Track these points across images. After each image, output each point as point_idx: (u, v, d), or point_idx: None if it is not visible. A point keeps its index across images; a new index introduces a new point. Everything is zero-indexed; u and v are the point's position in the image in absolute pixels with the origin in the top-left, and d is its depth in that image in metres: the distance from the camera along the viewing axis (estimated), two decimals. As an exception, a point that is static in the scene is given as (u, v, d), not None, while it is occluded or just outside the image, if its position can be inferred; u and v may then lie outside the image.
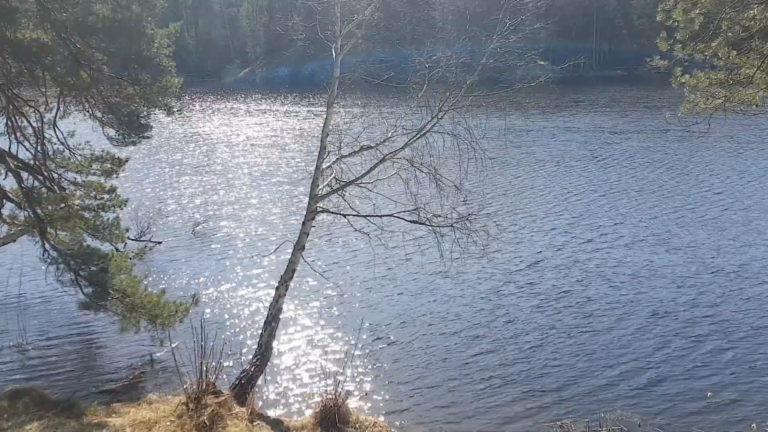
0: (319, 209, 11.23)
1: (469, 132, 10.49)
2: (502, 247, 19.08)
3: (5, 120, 11.79)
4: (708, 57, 9.69)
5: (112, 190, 11.89)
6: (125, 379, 12.11)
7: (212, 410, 9.09)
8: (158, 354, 12.82)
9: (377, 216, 11.31)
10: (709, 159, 32.48)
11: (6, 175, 11.35)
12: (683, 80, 10.09)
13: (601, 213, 23.35)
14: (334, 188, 11.20)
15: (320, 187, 11.24)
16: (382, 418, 10.63)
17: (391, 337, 13.93)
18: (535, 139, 39.71)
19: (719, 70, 10.02)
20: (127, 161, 12.73)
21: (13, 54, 10.70)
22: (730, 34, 9.49)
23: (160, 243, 20.55)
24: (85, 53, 10.94)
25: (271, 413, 10.80)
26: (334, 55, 11.10)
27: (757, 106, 9.99)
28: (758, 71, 9.47)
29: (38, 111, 12.16)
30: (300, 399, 11.56)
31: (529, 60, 10.83)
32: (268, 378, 12.03)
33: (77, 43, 10.76)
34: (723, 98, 9.95)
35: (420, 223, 11.01)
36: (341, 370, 11.84)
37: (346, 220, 11.29)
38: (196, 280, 17.49)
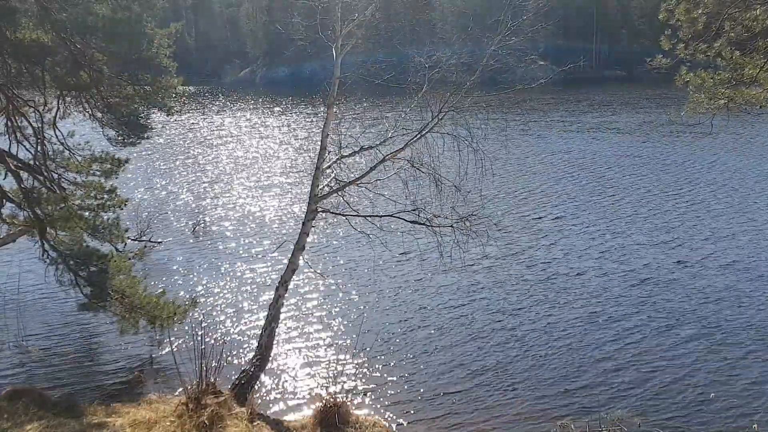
0: (319, 209, 11.22)
1: (470, 132, 10.49)
2: (503, 248, 19.05)
3: (5, 120, 11.76)
4: (711, 57, 9.67)
5: (112, 190, 11.85)
6: (125, 379, 12.10)
7: (212, 410, 9.07)
8: (158, 354, 12.82)
9: (377, 216, 11.31)
10: (711, 159, 32.37)
11: (6, 175, 11.32)
12: (687, 79, 10.07)
13: (602, 213, 23.32)
14: (334, 188, 11.19)
15: (320, 187, 11.23)
16: (382, 418, 10.62)
17: (391, 337, 13.91)
18: (535, 139, 39.70)
19: (722, 70, 9.99)
20: (127, 161, 12.69)
21: (13, 54, 10.69)
22: (732, 34, 9.47)
23: (160, 243, 20.55)
24: (85, 53, 10.93)
25: (271, 413, 10.80)
26: (334, 55, 11.09)
27: (761, 106, 9.96)
28: (762, 71, 9.44)
29: (38, 111, 12.13)
30: (300, 399, 11.55)
31: (530, 60, 10.83)
32: (268, 378, 12.03)
33: (77, 43, 10.75)
34: (726, 98, 9.93)
35: (420, 224, 11.00)
36: (341, 370, 11.83)
37: (346, 220, 11.28)
38: (196, 280, 17.48)
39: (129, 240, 15.11)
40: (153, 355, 12.90)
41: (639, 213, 23.13)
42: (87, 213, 11.37)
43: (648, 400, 11.27)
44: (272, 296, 11.42)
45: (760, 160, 32.01)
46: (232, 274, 17.96)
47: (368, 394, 11.67)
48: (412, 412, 11.10)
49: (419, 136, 10.76)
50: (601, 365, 12.53)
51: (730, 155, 33.06)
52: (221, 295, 16.45)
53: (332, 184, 11.27)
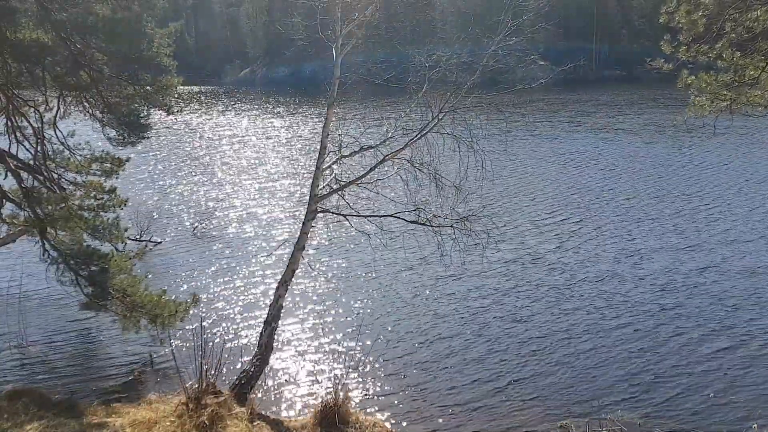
0: (319, 209, 11.22)
1: (470, 132, 10.49)
2: (503, 248, 19.04)
3: (5, 120, 11.77)
4: (712, 59, 9.65)
5: (112, 190, 11.85)
6: (125, 379, 12.11)
7: (212, 410, 9.08)
8: (158, 354, 12.81)
9: (377, 216, 11.31)
10: (720, 160, 32.10)
11: (6, 175, 11.33)
12: (689, 82, 10.04)
13: (611, 215, 23.23)
14: (334, 188, 11.19)
15: (320, 187, 11.23)
16: (382, 418, 10.63)
17: (391, 337, 13.91)
18: (538, 140, 39.68)
19: (723, 71, 9.97)
20: (127, 161, 12.70)
21: (13, 54, 10.69)
22: (733, 35, 9.46)
23: (160, 243, 20.56)
24: (85, 53, 10.94)
25: (271, 413, 10.80)
26: (334, 55, 11.09)
27: (764, 108, 9.93)
28: (763, 72, 9.43)
29: (38, 111, 12.15)
30: (300, 399, 11.55)
31: (530, 61, 10.83)
32: (268, 378, 12.02)
33: (77, 43, 10.76)
34: (729, 100, 9.91)
35: (420, 224, 11.00)
36: (341, 370, 11.83)
37: (346, 220, 11.28)
38: (196, 280, 17.48)
39: (129, 240, 15.14)
40: (153, 355, 12.89)
41: (650, 215, 22.94)
42: (87, 213, 11.37)
43: (648, 401, 11.27)
44: (272, 296, 11.42)
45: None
46: (232, 273, 17.96)
47: (368, 394, 11.67)
48: (412, 412, 11.10)
49: (419, 135, 10.76)
50: (602, 366, 12.52)
51: (739, 156, 32.79)
52: (221, 295, 16.45)
53: (332, 184, 11.28)
